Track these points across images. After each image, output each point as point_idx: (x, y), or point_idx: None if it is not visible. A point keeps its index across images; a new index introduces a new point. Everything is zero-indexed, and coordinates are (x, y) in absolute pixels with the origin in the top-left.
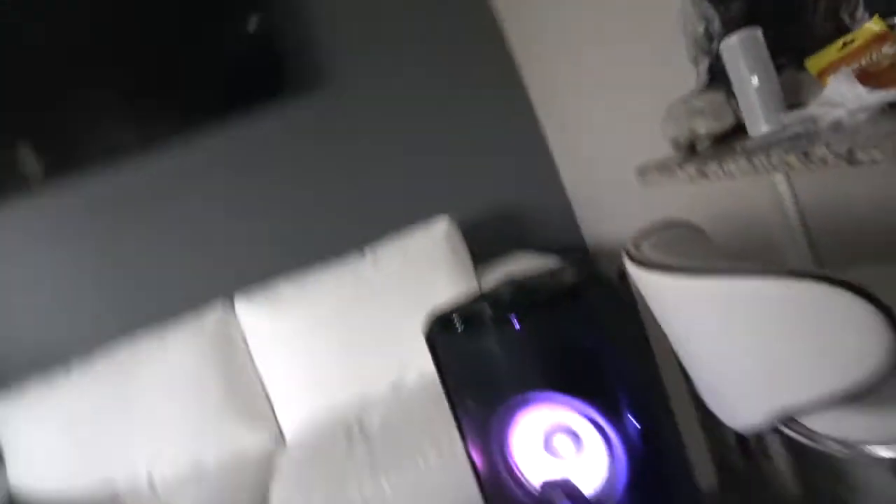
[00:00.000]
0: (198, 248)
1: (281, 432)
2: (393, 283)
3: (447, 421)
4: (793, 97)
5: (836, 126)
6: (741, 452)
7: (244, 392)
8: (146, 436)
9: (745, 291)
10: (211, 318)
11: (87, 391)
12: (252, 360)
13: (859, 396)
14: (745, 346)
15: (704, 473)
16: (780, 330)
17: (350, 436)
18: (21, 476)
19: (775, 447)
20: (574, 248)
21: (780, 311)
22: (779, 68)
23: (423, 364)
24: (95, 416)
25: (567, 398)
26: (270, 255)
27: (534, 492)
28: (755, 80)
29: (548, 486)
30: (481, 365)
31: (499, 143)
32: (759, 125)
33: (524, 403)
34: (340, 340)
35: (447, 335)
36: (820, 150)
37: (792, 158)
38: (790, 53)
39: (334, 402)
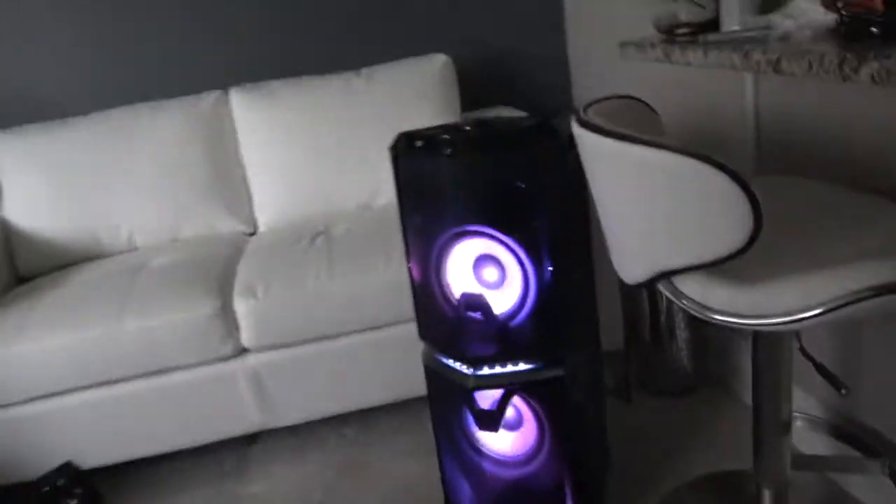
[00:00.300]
0: (201, 35)
1: (255, 222)
2: (381, 107)
3: (395, 244)
4: (771, 5)
5: (784, 36)
6: (651, 328)
7: (227, 178)
8: (131, 200)
9: (648, 159)
10: (207, 101)
11: (83, 146)
12: (238, 151)
13: (720, 267)
14: (638, 209)
15: (614, 333)
16: (667, 199)
17: (315, 236)
18: (13, 210)
19: (681, 327)
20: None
21: (669, 182)
22: None
23: (389, 189)
24: (87, 170)
25: (498, 233)
26: (271, 56)
27: (455, 304)
28: None
29: (465, 297)
30: (433, 190)
31: None
32: (729, 23)
33: (463, 231)
34: (322, 149)
35: (409, 155)
36: (756, 55)
37: (735, 57)
38: None
39: (307, 206)
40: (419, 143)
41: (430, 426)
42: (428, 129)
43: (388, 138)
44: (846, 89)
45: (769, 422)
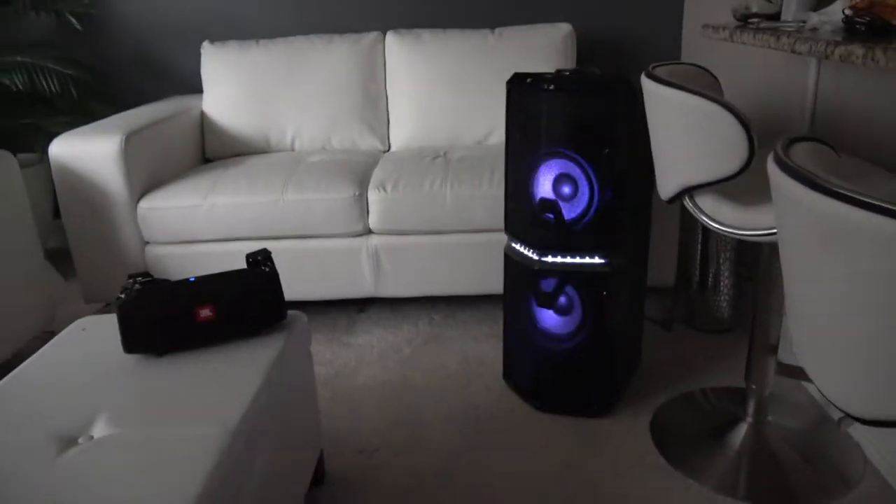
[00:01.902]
0: None
1: (389, 142)
2: (507, 62)
3: (499, 170)
4: (825, 4)
5: (813, 28)
6: (700, 272)
7: (373, 104)
8: (298, 111)
9: (680, 100)
10: (367, 39)
11: (268, 63)
12: (385, 83)
13: (728, 191)
14: (672, 139)
15: (667, 271)
16: (691, 131)
17: (436, 156)
18: (210, 105)
19: (725, 275)
20: None
21: (692, 117)
22: None
23: (503, 132)
24: (269, 82)
25: (576, 155)
26: (422, 9)
27: (534, 207)
28: None
29: (542, 200)
30: (533, 117)
31: None
32: (786, 14)
33: (550, 151)
34: (452, 91)
35: (519, 88)
36: (783, 39)
37: (769, 38)
38: None
39: (433, 135)
40: (528, 80)
41: (500, 321)
42: (537, 73)
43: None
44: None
45: (761, 336)
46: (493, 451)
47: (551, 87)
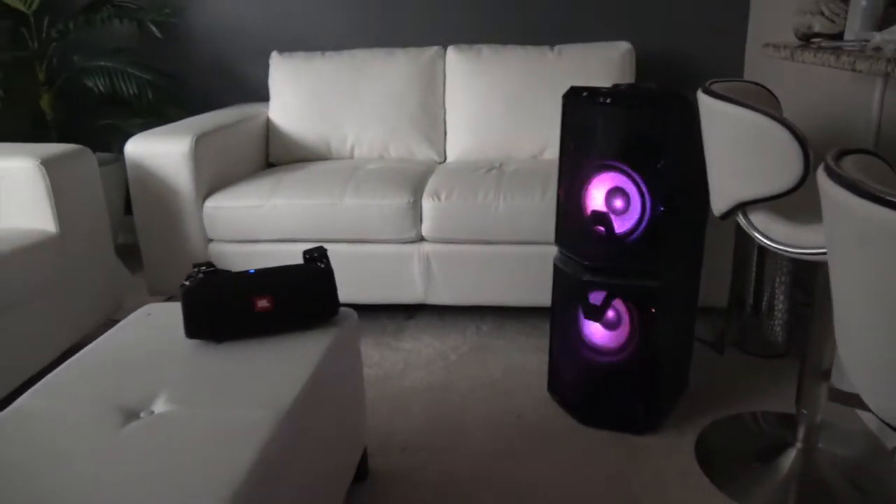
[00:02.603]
0: (432, 3)
1: (445, 153)
2: (566, 80)
3: (552, 183)
4: (888, 24)
5: (876, 47)
6: (754, 293)
7: (431, 116)
8: (358, 120)
9: (732, 114)
10: (428, 53)
11: (332, 73)
12: (444, 96)
13: (781, 208)
14: (727, 154)
15: (720, 292)
16: (747, 146)
17: (490, 168)
18: (276, 112)
19: (780, 299)
20: None
21: (750, 133)
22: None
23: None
24: (332, 92)
25: (630, 169)
26: (481, 25)
27: (585, 219)
28: (863, 2)
29: (594, 214)
30: (588, 130)
31: None
32: (849, 34)
33: (604, 164)
34: (510, 106)
35: (575, 101)
36: (843, 58)
37: (831, 57)
38: None
39: (488, 148)
40: (584, 94)
41: (547, 334)
42: (594, 87)
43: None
44: None
45: (814, 361)
46: (535, 459)
47: (607, 100)
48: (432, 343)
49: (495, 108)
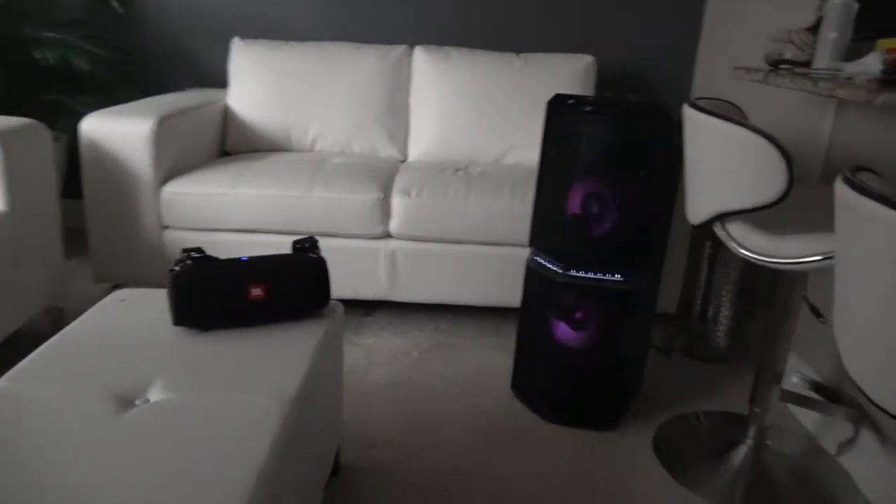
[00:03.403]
0: (400, 3)
1: (407, 152)
2: (530, 87)
3: (520, 186)
4: (853, 56)
5: (849, 77)
6: (702, 302)
7: (396, 114)
8: (322, 113)
9: (726, 131)
10: (396, 52)
11: (297, 64)
12: (409, 95)
13: (759, 220)
14: (714, 166)
15: (671, 299)
16: (734, 160)
17: (457, 170)
18: (235, 99)
19: (726, 307)
20: None
21: (737, 148)
22: (863, 38)
23: (521, 154)
24: (296, 83)
25: (613, 178)
26: (450, 27)
27: (563, 223)
28: (833, 34)
29: (573, 217)
30: (570, 136)
31: (659, 8)
32: (819, 62)
33: (585, 170)
34: (474, 109)
35: (560, 108)
36: (821, 84)
37: (806, 83)
38: (873, 31)
39: (450, 149)
40: (570, 101)
41: (507, 333)
42: (579, 95)
43: (530, 113)
44: (889, 129)
45: (768, 364)
46: (506, 455)
47: (593, 109)
48: (393, 340)
49: (461, 111)
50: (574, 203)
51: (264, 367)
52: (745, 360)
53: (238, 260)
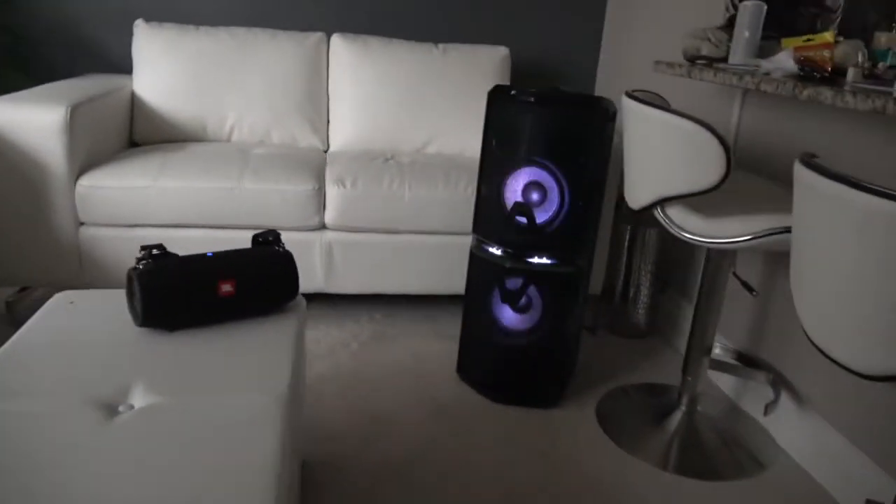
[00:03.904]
0: None
1: (328, 142)
2: (448, 77)
3: (452, 175)
4: (763, 53)
5: (766, 73)
6: (623, 284)
7: (315, 102)
8: (238, 101)
9: (660, 119)
10: (312, 39)
11: (209, 50)
12: (328, 83)
13: (697, 203)
14: (655, 154)
15: (596, 281)
16: (675, 148)
17: (386, 159)
18: (142, 86)
19: (645, 287)
20: None
21: (678, 136)
22: (766, 37)
23: (442, 142)
24: (209, 69)
25: (552, 165)
26: (370, 17)
27: (507, 210)
28: (746, 33)
29: (517, 205)
30: (512, 127)
31: (567, 4)
32: (734, 58)
33: (528, 159)
34: (394, 99)
35: (500, 99)
36: (745, 79)
37: (734, 79)
38: (778, 30)
39: (372, 138)
40: (512, 92)
41: (441, 319)
42: (518, 87)
43: (451, 102)
44: (791, 119)
45: (699, 337)
46: (460, 438)
47: (536, 99)
48: (329, 332)
49: (382, 100)
50: (516, 191)
51: (249, 365)
52: (660, 335)
53: (203, 256)
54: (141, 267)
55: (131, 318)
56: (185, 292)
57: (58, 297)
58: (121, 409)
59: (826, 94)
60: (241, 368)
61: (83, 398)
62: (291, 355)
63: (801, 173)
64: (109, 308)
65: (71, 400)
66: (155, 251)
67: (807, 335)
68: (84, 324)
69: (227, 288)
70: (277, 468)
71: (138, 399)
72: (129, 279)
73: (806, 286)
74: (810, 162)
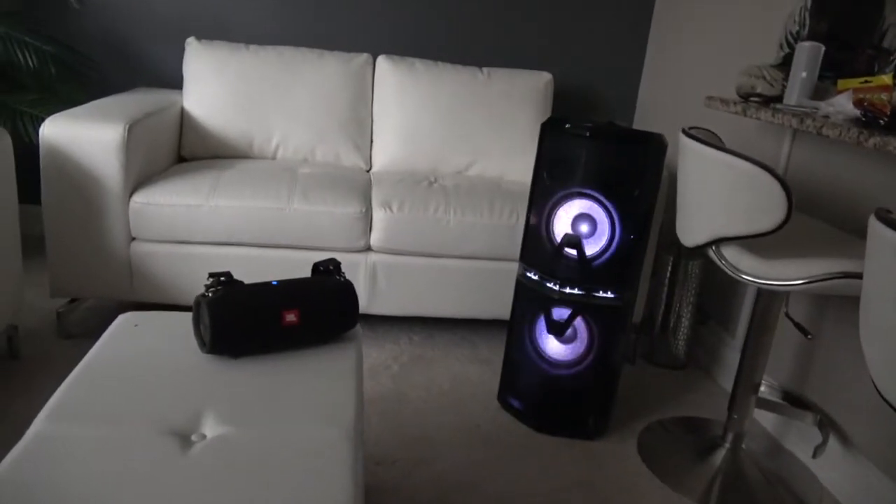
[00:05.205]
0: (367, 10)
1: (371, 162)
2: (492, 101)
3: (497, 202)
4: (818, 94)
5: (825, 116)
6: (663, 314)
7: (359, 122)
8: (285, 119)
9: (719, 159)
10: (359, 60)
11: (258, 68)
12: (372, 104)
13: (752, 245)
14: (714, 194)
15: (636, 310)
16: (734, 189)
17: (430, 182)
18: (192, 102)
19: (686, 318)
20: None
21: (739, 178)
22: (822, 77)
23: (484, 166)
24: (257, 87)
25: (604, 198)
26: (415, 39)
27: (557, 241)
28: (804, 73)
29: (567, 237)
30: (565, 159)
31: (610, 34)
32: (790, 98)
33: (579, 192)
34: (437, 120)
35: (555, 131)
36: (807, 122)
37: (794, 120)
38: (834, 71)
39: (414, 160)
40: (567, 125)
41: (478, 343)
42: (573, 120)
43: (493, 126)
44: (843, 161)
45: (747, 375)
46: (503, 466)
47: (591, 134)
48: (370, 353)
49: (425, 121)
50: (564, 223)
51: (314, 395)
52: (699, 367)
53: (269, 284)
54: (210, 295)
55: (196, 344)
56: (251, 321)
57: (122, 319)
58: (193, 437)
59: (894, 143)
60: (308, 398)
61: (157, 425)
62: (354, 385)
63: (875, 228)
64: (173, 331)
65: (146, 427)
66: (223, 278)
67: (877, 390)
68: (150, 347)
69: (290, 318)
70: (353, 502)
71: (209, 428)
72: (198, 305)
73: (878, 341)
74: (887, 217)
